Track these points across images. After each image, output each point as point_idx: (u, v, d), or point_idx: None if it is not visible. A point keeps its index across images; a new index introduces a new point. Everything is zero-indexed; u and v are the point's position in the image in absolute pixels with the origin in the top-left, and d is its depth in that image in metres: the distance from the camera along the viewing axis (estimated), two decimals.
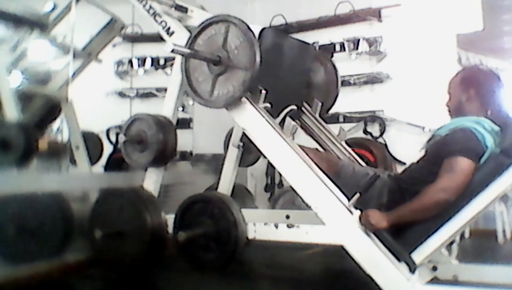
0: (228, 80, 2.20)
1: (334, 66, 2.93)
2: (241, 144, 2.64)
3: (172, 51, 2.13)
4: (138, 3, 2.60)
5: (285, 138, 2.17)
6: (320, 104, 2.82)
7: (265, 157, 2.29)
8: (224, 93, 2.21)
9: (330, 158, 2.48)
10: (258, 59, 2.10)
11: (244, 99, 2.21)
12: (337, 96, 2.90)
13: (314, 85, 2.90)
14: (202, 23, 2.28)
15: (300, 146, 2.21)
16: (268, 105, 2.27)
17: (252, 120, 2.23)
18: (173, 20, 2.55)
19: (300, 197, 2.13)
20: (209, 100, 2.26)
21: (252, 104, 2.22)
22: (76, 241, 2.68)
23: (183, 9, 2.56)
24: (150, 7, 2.57)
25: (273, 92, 2.29)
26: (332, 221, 2.04)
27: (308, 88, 2.86)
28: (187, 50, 2.26)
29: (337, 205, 2.01)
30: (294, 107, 2.58)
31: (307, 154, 2.16)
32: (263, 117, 2.20)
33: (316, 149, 2.71)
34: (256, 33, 2.18)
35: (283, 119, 2.50)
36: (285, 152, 2.15)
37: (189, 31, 2.42)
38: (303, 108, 2.79)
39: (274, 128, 2.19)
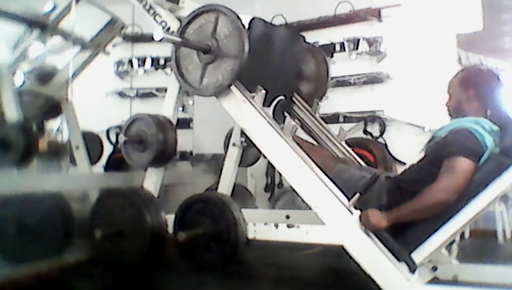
0: (218, 69, 2.23)
1: (324, 57, 2.95)
2: (243, 139, 2.64)
3: (162, 39, 2.13)
4: None
5: (275, 127, 2.16)
6: (318, 103, 2.82)
7: (264, 157, 2.29)
8: (213, 82, 2.24)
9: (324, 163, 2.39)
10: (247, 47, 2.12)
11: (233, 87, 2.22)
12: (327, 85, 2.91)
13: (305, 75, 2.91)
14: (192, 12, 2.30)
15: (297, 138, 2.21)
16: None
17: (241, 108, 2.23)
18: (164, 11, 2.55)
19: (300, 197, 2.14)
20: (199, 88, 2.29)
21: (241, 92, 2.22)
22: (76, 241, 2.68)
23: (174, 0, 2.56)
24: None
25: (262, 81, 2.29)
26: (332, 221, 2.04)
27: (299, 78, 2.86)
28: (177, 38, 2.27)
29: (337, 205, 2.01)
30: (282, 97, 2.59)
31: (303, 148, 2.15)
32: (253, 105, 2.21)
33: (312, 144, 2.71)
34: (246, 23, 2.20)
35: (279, 113, 2.50)
36: (279, 145, 2.14)
37: (181, 21, 2.43)
38: (293, 99, 2.79)
39: (264, 117, 2.19)
